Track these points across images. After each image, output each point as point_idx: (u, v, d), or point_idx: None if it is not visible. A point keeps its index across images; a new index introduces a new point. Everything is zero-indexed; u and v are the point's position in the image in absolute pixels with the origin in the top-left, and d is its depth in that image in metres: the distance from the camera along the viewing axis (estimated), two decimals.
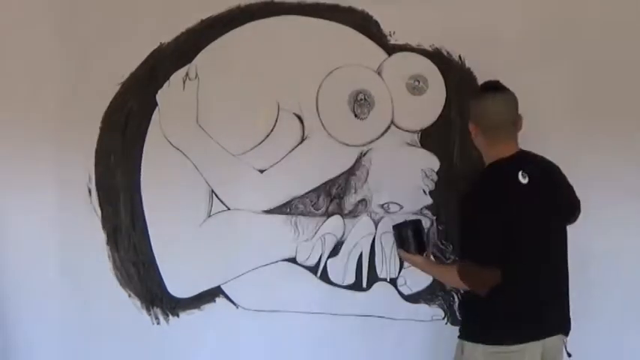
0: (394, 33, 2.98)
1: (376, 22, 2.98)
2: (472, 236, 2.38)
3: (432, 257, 2.84)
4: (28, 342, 3.09)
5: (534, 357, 2.41)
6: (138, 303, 3.09)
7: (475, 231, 2.37)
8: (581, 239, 2.69)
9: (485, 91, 2.47)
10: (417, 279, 3.02)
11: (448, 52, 2.97)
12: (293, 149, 3.01)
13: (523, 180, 2.39)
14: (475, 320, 2.48)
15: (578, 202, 2.64)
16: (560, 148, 2.83)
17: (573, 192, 2.62)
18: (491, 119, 2.44)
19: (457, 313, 2.87)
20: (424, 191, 3.02)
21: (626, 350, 3.02)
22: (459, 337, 2.51)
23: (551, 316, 2.46)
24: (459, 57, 2.97)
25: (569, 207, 2.60)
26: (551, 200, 2.45)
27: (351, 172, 3.03)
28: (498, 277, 2.34)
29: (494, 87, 2.46)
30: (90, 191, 3.07)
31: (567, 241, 2.52)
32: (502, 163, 2.43)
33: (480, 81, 2.94)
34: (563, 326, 2.51)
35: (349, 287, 3.06)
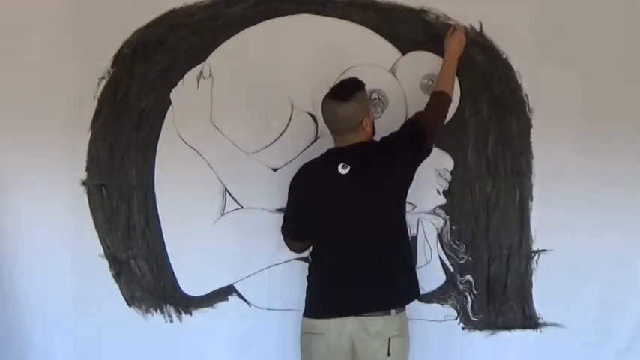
0: None
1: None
2: None
3: None
4: (45, 341, 3.09)
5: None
6: (151, 301, 3.09)
7: None
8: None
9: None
10: (429, 279, 3.02)
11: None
12: (306, 148, 3.01)
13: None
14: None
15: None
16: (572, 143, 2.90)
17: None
18: None
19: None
20: (438, 191, 3.01)
21: None
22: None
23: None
24: (473, 55, 2.97)
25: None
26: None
27: None
28: None
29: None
30: (103, 189, 3.08)
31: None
32: None
33: (495, 80, 2.96)
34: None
35: None
